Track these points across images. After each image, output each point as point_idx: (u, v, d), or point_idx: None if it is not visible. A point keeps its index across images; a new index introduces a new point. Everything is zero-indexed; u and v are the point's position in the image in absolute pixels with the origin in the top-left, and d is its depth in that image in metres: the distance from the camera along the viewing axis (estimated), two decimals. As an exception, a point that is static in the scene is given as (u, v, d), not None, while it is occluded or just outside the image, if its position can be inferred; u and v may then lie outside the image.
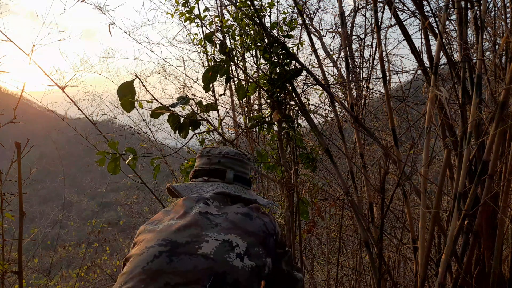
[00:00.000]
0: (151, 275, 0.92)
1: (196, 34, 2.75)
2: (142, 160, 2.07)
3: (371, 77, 2.73)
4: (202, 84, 2.05)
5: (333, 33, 3.20)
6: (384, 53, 2.31)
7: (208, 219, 1.07)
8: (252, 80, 2.29)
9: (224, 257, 0.96)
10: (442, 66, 2.04)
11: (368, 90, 2.75)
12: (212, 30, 2.36)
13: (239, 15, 2.18)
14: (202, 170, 1.32)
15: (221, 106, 3.25)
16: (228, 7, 2.90)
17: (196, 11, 2.47)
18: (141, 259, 0.96)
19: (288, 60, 2.10)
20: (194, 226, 1.04)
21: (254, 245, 1.04)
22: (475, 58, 1.79)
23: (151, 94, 1.85)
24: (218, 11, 3.00)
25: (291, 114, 2.25)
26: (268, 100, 2.21)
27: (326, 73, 2.61)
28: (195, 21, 2.48)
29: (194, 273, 0.92)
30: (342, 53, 2.75)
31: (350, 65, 2.62)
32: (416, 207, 2.71)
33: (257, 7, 2.16)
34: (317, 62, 2.51)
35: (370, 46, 2.82)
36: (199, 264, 0.94)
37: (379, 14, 2.20)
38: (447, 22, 2.04)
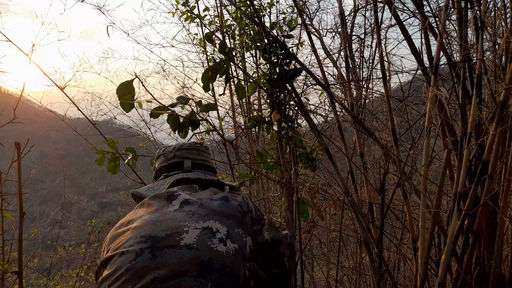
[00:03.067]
0: (136, 274, 0.90)
1: (196, 34, 2.76)
2: (142, 160, 2.07)
3: (371, 77, 2.73)
4: (202, 84, 2.05)
5: (333, 33, 3.20)
6: (384, 53, 2.31)
7: (183, 211, 1.05)
8: (251, 80, 2.29)
9: (208, 244, 0.96)
10: (442, 66, 2.04)
11: (368, 90, 2.75)
12: (211, 30, 2.36)
13: (238, 15, 2.18)
14: (161, 168, 1.34)
15: (221, 106, 3.25)
16: (227, 7, 2.90)
17: (196, 11, 2.47)
18: (123, 259, 0.94)
19: (287, 60, 2.10)
20: (171, 219, 1.02)
21: (234, 227, 1.04)
22: (475, 58, 1.79)
23: (151, 94, 1.85)
24: (218, 11, 3.00)
25: (291, 114, 2.24)
26: (268, 100, 2.21)
27: (326, 73, 2.61)
28: (195, 21, 2.48)
29: (181, 265, 0.91)
30: (342, 53, 2.75)
31: (350, 65, 2.62)
32: (416, 207, 2.71)
33: (256, 7, 2.16)
34: (317, 62, 2.51)
35: (370, 46, 2.82)
36: (184, 256, 0.93)
37: (379, 14, 2.20)
38: (447, 22, 2.03)
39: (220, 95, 2.47)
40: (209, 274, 0.91)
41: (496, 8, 1.91)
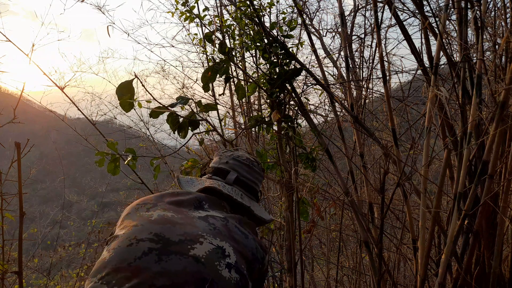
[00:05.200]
0: (137, 273, 0.87)
1: (196, 34, 2.75)
2: (141, 160, 2.07)
3: (371, 77, 2.73)
4: (202, 84, 2.05)
5: (333, 33, 3.20)
6: (384, 53, 2.31)
7: (207, 221, 1.03)
8: (251, 80, 2.29)
9: (215, 264, 0.92)
10: (442, 66, 2.04)
11: (368, 90, 2.75)
12: (211, 30, 2.36)
13: (238, 15, 2.18)
14: (211, 168, 1.32)
15: (223, 104, 3.25)
16: (227, 7, 2.90)
17: (195, 10, 2.47)
18: (129, 251, 0.91)
19: (287, 60, 2.10)
20: (190, 225, 1.00)
21: (241, 262, 1.00)
22: (475, 58, 1.79)
23: (150, 94, 1.85)
24: (217, 11, 3.00)
25: (291, 114, 2.24)
26: (268, 100, 2.21)
27: (326, 73, 2.61)
28: (195, 21, 2.48)
29: (182, 275, 0.88)
30: (342, 53, 2.75)
31: (350, 65, 2.62)
32: (416, 207, 2.71)
33: (256, 7, 2.16)
34: (317, 62, 2.51)
35: (370, 46, 2.82)
36: (188, 266, 0.89)
37: (379, 14, 2.20)
38: (447, 22, 2.03)
39: (220, 95, 2.47)
40: None
41: (496, 8, 1.91)
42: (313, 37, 2.79)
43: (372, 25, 2.72)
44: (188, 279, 0.87)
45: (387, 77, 1.96)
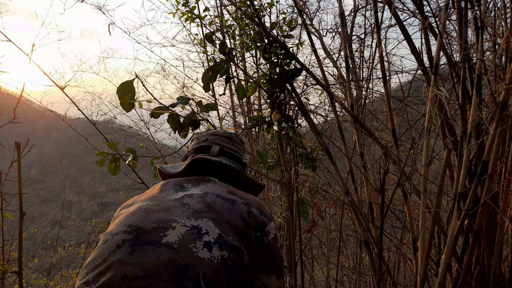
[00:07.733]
0: (111, 267, 0.87)
1: (196, 34, 2.76)
2: (142, 160, 2.07)
3: (371, 77, 2.73)
4: (202, 84, 2.05)
5: (333, 33, 3.20)
6: (384, 53, 2.31)
7: (182, 202, 1.01)
8: (252, 80, 2.29)
9: (190, 246, 0.89)
10: (442, 66, 2.04)
11: (368, 90, 2.75)
12: (212, 30, 2.36)
13: (239, 15, 2.18)
14: (192, 150, 1.33)
15: (221, 106, 3.25)
16: (228, 7, 2.90)
17: (196, 11, 2.48)
18: (105, 248, 0.92)
19: (287, 60, 2.10)
20: (165, 210, 0.98)
21: (228, 233, 0.96)
22: (475, 58, 1.79)
23: (151, 94, 1.85)
24: (218, 11, 3.01)
25: (291, 114, 2.25)
26: (268, 100, 2.21)
27: (326, 73, 2.61)
28: (195, 21, 2.49)
29: (156, 265, 0.86)
30: (342, 53, 2.75)
31: (350, 65, 2.62)
32: (416, 207, 2.71)
33: (256, 7, 2.16)
34: (317, 62, 2.51)
35: (370, 46, 2.82)
36: (161, 255, 0.88)
37: (379, 14, 2.20)
38: (447, 22, 2.04)
39: (220, 95, 2.47)
40: (181, 281, 0.84)
41: (496, 8, 1.92)
42: (313, 37, 2.80)
43: (372, 25, 2.73)
44: (161, 269, 0.86)
45: (387, 77, 1.97)
